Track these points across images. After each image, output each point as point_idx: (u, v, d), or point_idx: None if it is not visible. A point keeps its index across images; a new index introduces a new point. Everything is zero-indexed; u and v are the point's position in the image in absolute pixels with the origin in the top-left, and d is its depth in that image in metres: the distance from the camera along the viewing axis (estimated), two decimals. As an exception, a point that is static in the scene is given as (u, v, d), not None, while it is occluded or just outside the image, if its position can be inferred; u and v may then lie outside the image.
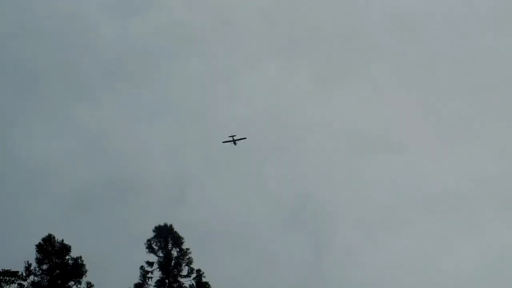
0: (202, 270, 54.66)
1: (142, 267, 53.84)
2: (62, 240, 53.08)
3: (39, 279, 51.67)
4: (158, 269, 53.84)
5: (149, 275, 53.69)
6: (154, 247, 54.33)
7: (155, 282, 53.45)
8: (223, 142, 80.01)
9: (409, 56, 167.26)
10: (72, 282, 52.18)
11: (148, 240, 54.35)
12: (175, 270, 54.01)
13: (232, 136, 79.24)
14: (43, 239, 52.87)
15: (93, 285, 52.36)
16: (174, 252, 54.56)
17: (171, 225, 55.08)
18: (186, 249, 54.81)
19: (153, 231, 54.66)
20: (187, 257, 54.66)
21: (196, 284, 54.06)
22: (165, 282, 53.63)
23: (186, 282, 54.06)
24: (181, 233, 55.39)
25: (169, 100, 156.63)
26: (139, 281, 53.43)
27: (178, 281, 53.83)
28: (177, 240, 54.83)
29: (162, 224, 54.98)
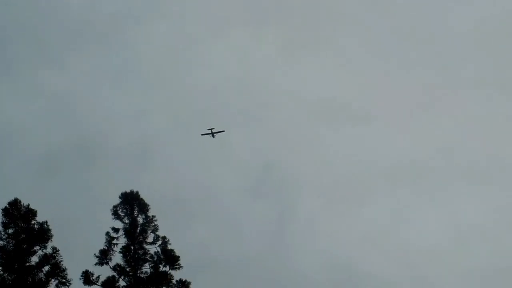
0: (168, 237, 55.16)
1: (107, 233, 54.13)
2: (28, 205, 53.09)
3: (5, 243, 51.73)
4: (123, 236, 54.18)
5: (115, 241, 53.98)
6: (120, 213, 54.61)
7: (121, 249, 53.77)
8: (202, 134, 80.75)
9: (378, 26, 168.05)
10: (38, 247, 52.32)
11: (114, 207, 54.61)
12: (141, 237, 54.39)
13: (211, 129, 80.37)
14: (9, 203, 52.81)
15: (58, 250, 52.56)
16: (140, 219, 54.91)
17: (137, 192, 55.36)
18: (152, 216, 55.17)
19: (119, 197, 54.91)
20: (153, 224, 55.03)
21: (161, 251, 54.51)
22: (131, 248, 53.99)
23: (152, 249, 54.48)
24: (146, 200, 55.79)
25: (136, 64, 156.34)
26: (105, 247, 53.72)
27: (144, 248, 54.25)
28: (143, 207, 55.16)
29: (128, 191, 55.25)
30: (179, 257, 54.85)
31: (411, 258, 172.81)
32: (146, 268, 54.08)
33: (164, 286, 53.93)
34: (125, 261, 53.56)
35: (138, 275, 53.66)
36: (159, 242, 54.71)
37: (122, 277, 53.38)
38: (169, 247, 54.77)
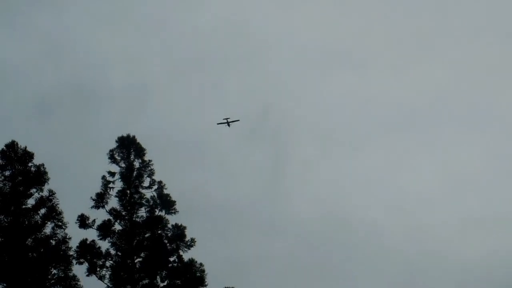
0: (164, 182, 55.52)
1: (104, 177, 54.48)
2: (25, 147, 53.35)
3: (1, 185, 52.17)
4: (120, 180, 54.55)
5: (111, 185, 54.37)
6: (117, 157, 54.84)
7: (117, 192, 54.19)
8: (217, 123, 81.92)
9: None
10: (34, 189, 52.75)
11: (111, 151, 54.84)
12: (137, 181, 54.73)
13: (226, 118, 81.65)
14: (6, 145, 53.03)
15: (54, 193, 52.98)
16: (136, 163, 55.17)
17: (134, 136, 55.53)
18: (148, 160, 55.46)
19: (116, 141, 55.08)
20: (149, 168, 55.33)
21: (157, 195, 54.89)
22: (127, 192, 54.42)
23: (148, 193, 54.89)
24: (143, 144, 56.02)
25: (134, 8, 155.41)
26: (101, 190, 54.13)
27: (140, 192, 54.64)
28: (140, 152, 55.40)
29: (125, 135, 55.44)
30: (175, 201, 55.32)
31: (406, 206, 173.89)
32: (142, 212, 54.62)
33: (160, 230, 54.52)
34: (121, 205, 54.03)
35: (133, 219, 54.20)
36: (155, 187, 55.09)
37: (118, 221, 53.94)
38: (165, 191, 55.17)
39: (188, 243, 54.65)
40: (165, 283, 53.48)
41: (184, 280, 53.48)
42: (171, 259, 54.11)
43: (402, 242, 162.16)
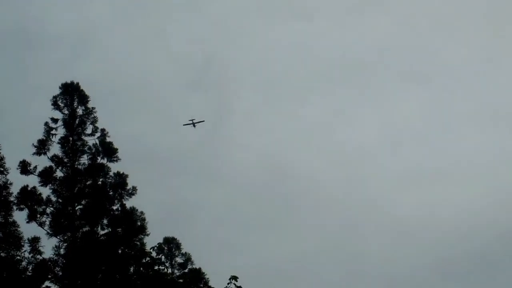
0: (106, 129, 55.60)
1: (46, 124, 54.29)
2: (-34, 92, 53.03)
3: None
4: (62, 127, 54.46)
5: (53, 132, 54.30)
6: (60, 104, 54.65)
7: (59, 139, 54.12)
8: (184, 124, 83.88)
9: None
10: (-25, 134, 52.57)
11: (54, 97, 54.57)
12: (80, 128, 54.67)
13: (192, 119, 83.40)
14: None
15: (-5, 138, 52.82)
16: (80, 111, 55.05)
17: (77, 83, 55.29)
18: (92, 107, 55.33)
19: (60, 88, 54.82)
20: (92, 116, 55.24)
21: (99, 143, 54.96)
22: (69, 139, 54.34)
23: (90, 140, 54.88)
24: (86, 91, 55.90)
25: None
26: (43, 137, 54.03)
27: (82, 140, 54.60)
28: (83, 99, 55.26)
29: (69, 81, 55.24)
30: (117, 149, 55.49)
31: (346, 158, 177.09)
32: (84, 159, 54.66)
33: (101, 178, 54.70)
34: (63, 152, 54.01)
35: (75, 166, 54.26)
36: (98, 134, 55.12)
37: (60, 168, 53.94)
38: (108, 139, 55.27)
39: (130, 191, 54.98)
40: (106, 231, 53.90)
41: (125, 229, 53.89)
42: (113, 207, 54.47)
43: (341, 193, 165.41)
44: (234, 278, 55.04)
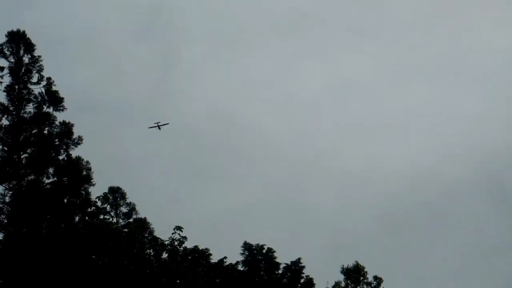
0: (52, 78, 55.83)
1: (-8, 72, 54.45)
2: None
3: None
4: (8, 75, 54.49)
5: (-1, 80, 54.50)
6: (6, 52, 54.56)
7: (5, 87, 54.18)
8: (149, 127, 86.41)
9: None
10: None
11: (0, 45, 54.49)
12: (26, 76, 54.76)
13: (157, 123, 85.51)
14: None
15: None
16: (26, 59, 55.11)
17: (23, 31, 55.21)
18: (38, 56, 55.43)
19: (6, 36, 54.74)
20: (38, 64, 55.35)
21: (45, 91, 55.20)
22: (15, 88, 54.44)
23: (36, 89, 55.10)
24: (32, 40, 55.92)
25: None
26: (-13, 84, 54.16)
27: (28, 88, 54.74)
28: (29, 47, 55.26)
29: (15, 29, 55.15)
30: (63, 98, 55.82)
31: (293, 111, 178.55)
32: (30, 108, 54.89)
33: (47, 127, 55.03)
34: (9, 100, 54.10)
35: (21, 114, 54.44)
36: (44, 83, 55.33)
37: (5, 116, 54.09)
38: (54, 88, 55.57)
39: (76, 141, 55.45)
40: (51, 180, 54.40)
41: (70, 178, 54.48)
42: (58, 156, 54.95)
43: (288, 146, 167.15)
44: (179, 228, 56.39)
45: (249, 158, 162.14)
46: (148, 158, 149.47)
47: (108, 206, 59.61)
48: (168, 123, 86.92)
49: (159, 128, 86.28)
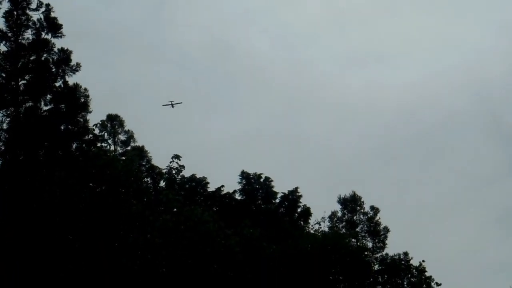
0: (51, 4, 55.70)
1: (-10, 2, 54.27)
2: None
3: None
4: (7, 1, 54.40)
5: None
6: (4, -23, 54.52)
7: (3, 13, 54.11)
8: (163, 105, 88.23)
9: None
10: None
11: (-2, -29, 54.43)
12: (24, 2, 54.60)
13: (171, 101, 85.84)
14: None
15: None
16: (26, -13, 55.01)
17: (21, -43, 54.99)
18: (37, -17, 55.27)
19: (4, -38, 54.58)
20: (38, -10, 55.25)
21: (44, 18, 55.12)
22: (13, 13, 54.34)
23: (35, 15, 54.99)
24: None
25: None
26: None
27: (27, 14, 54.60)
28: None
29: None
30: (61, 25, 55.74)
31: (289, 39, 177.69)
32: (28, 34, 54.88)
33: (45, 53, 55.16)
34: (7, 26, 54.05)
35: (19, 41, 54.52)
36: (43, 9, 55.15)
37: (3, 42, 54.19)
38: (52, 14, 55.45)
39: (74, 68, 55.61)
40: (49, 107, 54.82)
41: (68, 105, 54.82)
42: (56, 83, 55.22)
43: (284, 75, 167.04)
44: (177, 156, 56.89)
45: (245, 88, 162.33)
46: (144, 85, 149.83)
47: (106, 134, 60.04)
48: (181, 102, 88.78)
49: (173, 106, 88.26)
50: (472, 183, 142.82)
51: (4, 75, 53.98)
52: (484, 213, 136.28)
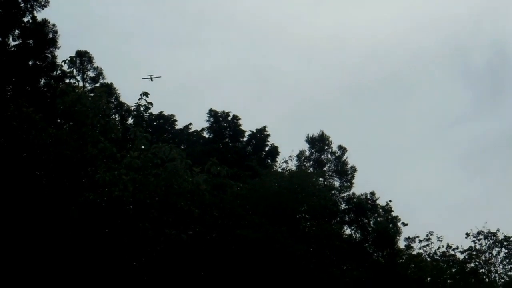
0: None
1: None
2: None
3: None
4: None
5: None
6: None
7: None
8: (142, 78, 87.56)
9: None
10: None
11: None
12: None
13: (150, 75, 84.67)
14: None
15: None
16: None
17: None
18: None
19: None
20: None
21: (11, -49, 54.74)
22: None
23: None
24: None
25: None
26: None
27: None
28: None
29: None
30: (29, -42, 55.42)
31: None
32: (-5, -32, 54.47)
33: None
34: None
35: (-14, -26, 54.14)
36: None
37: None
38: None
39: (42, 3, 55.50)
40: (17, 43, 54.76)
41: (36, 40, 54.78)
42: (24, 19, 55.03)
43: (252, 9, 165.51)
44: (145, 94, 56.92)
45: (211, 22, 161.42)
46: (111, 21, 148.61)
47: (75, 70, 60.01)
48: (160, 76, 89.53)
49: (152, 80, 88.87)
50: (439, 123, 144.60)
51: (-31, 9, 53.69)
52: (450, 154, 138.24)
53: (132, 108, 59.86)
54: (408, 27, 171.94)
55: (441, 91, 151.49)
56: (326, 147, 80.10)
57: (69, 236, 42.68)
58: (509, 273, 69.47)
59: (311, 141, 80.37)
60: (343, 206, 73.66)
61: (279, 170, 66.58)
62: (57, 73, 56.04)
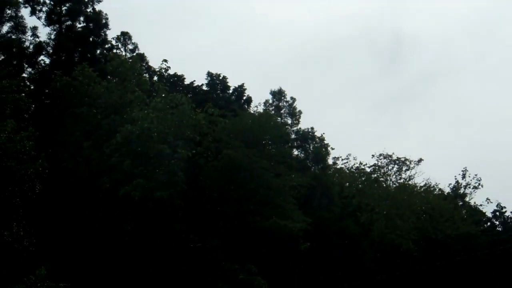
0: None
1: None
2: None
3: None
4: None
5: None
6: None
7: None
8: None
9: None
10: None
11: None
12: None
13: None
14: None
15: None
16: None
17: None
18: None
19: None
20: None
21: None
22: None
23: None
24: None
25: None
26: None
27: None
28: None
29: None
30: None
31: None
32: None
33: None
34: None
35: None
36: None
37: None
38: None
39: (98, -1, 56.04)
40: (82, 25, 55.39)
41: (94, 24, 55.43)
42: (87, 9, 55.63)
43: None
44: (165, 60, 57.36)
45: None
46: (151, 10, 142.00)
47: (120, 44, 60.86)
48: None
49: None
50: (357, 81, 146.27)
51: (52, 3, 54.44)
52: (363, 102, 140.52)
53: (156, 70, 61.25)
54: (336, 19, 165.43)
55: (356, 59, 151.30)
56: (283, 97, 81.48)
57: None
58: (399, 181, 71.19)
59: (273, 93, 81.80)
60: (293, 136, 75.65)
61: (252, 112, 67.71)
62: (108, 46, 57.26)
